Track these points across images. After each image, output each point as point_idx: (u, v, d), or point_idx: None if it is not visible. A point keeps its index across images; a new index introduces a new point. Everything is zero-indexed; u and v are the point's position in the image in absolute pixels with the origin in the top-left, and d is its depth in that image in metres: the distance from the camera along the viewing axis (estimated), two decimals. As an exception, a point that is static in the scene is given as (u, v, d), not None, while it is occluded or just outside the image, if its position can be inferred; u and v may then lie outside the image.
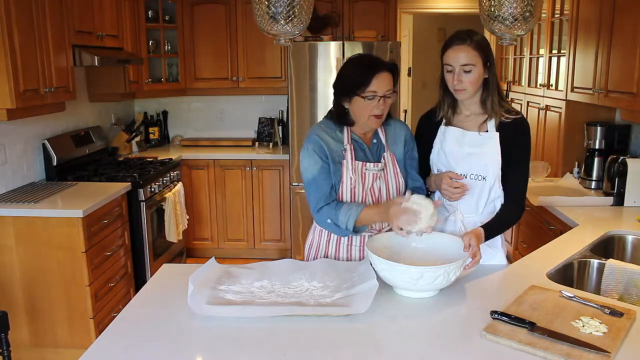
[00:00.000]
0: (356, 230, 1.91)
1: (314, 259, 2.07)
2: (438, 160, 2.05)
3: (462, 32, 1.91)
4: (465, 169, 1.99)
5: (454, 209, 2.03)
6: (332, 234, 2.02)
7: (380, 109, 1.85)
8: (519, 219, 2.05)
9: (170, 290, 1.75)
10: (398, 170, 1.99)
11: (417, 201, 1.71)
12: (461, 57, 1.87)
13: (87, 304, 2.99)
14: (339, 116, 1.94)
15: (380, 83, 1.84)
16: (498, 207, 2.01)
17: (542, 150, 3.93)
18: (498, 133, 1.95)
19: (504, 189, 1.99)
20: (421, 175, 2.09)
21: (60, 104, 3.29)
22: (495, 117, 1.95)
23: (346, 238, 2.01)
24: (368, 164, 1.94)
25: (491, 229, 1.89)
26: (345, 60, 1.97)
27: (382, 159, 1.97)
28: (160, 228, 3.85)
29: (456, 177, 1.95)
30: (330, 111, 2.00)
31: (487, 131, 1.97)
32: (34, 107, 2.97)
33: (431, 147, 2.07)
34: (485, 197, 2.00)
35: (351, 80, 1.86)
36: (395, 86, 1.91)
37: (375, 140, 2.00)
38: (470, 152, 1.98)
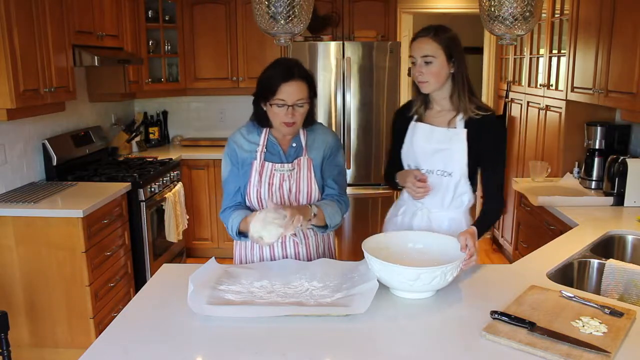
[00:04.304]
0: (245, 235, 1.93)
1: (241, 257, 2.08)
2: (407, 155, 2.08)
3: (429, 25, 1.96)
4: (431, 165, 2.02)
5: (421, 205, 2.07)
6: None
7: (289, 118, 1.86)
8: (502, 213, 2.07)
9: (170, 290, 1.75)
10: (312, 175, 1.97)
11: (257, 233, 1.75)
12: (422, 48, 1.92)
13: (87, 304, 2.99)
14: (259, 118, 1.95)
15: (289, 92, 1.83)
16: (465, 202, 2.06)
17: (542, 150, 3.93)
18: (466, 129, 1.97)
19: (482, 186, 2.03)
20: (395, 169, 2.12)
21: (60, 104, 3.29)
22: (464, 113, 1.97)
23: None
24: (277, 164, 1.95)
25: (479, 228, 1.91)
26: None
27: (297, 161, 1.96)
28: (160, 228, 3.85)
29: (421, 177, 1.97)
30: (253, 113, 2.00)
31: (455, 127, 1.99)
32: (34, 107, 2.97)
33: (403, 141, 2.09)
34: (451, 193, 2.03)
35: (263, 86, 1.88)
36: (312, 95, 1.90)
37: (294, 144, 1.99)
38: (437, 148, 2.00)
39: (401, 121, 2.11)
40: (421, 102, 2.05)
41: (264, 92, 1.87)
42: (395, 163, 2.14)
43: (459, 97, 1.97)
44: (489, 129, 1.98)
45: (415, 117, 2.07)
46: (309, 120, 1.97)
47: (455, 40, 1.94)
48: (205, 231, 4.70)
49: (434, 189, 2.00)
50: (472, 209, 2.12)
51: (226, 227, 1.99)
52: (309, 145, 1.99)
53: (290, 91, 1.83)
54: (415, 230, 2.06)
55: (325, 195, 2.01)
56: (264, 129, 1.98)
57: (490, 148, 1.99)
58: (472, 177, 2.03)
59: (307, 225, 1.89)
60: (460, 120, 1.98)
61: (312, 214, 1.86)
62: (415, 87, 2.03)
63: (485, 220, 1.96)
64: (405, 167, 2.11)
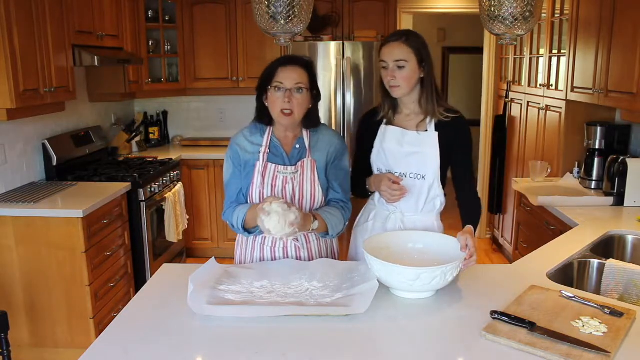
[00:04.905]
0: (250, 231, 1.95)
1: (242, 258, 2.08)
2: (378, 159, 2.08)
3: (398, 31, 2.00)
4: (404, 168, 2.03)
5: (395, 208, 2.07)
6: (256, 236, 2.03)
7: (287, 104, 1.85)
8: (481, 207, 2.09)
9: (170, 290, 1.75)
10: (316, 177, 1.95)
11: (269, 208, 1.73)
12: (395, 53, 1.94)
13: (87, 304, 2.99)
14: (260, 115, 1.96)
15: (286, 75, 1.86)
16: (438, 206, 2.07)
17: (542, 150, 3.93)
18: (437, 132, 1.99)
19: (455, 186, 2.04)
20: (363, 175, 2.11)
21: (60, 104, 3.30)
22: (434, 116, 2.00)
23: (260, 238, 2.01)
24: (280, 166, 1.94)
25: (473, 226, 1.92)
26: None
27: (300, 163, 1.95)
28: (160, 228, 3.85)
29: (395, 180, 1.98)
30: (255, 111, 2.00)
31: (426, 130, 2.01)
32: (34, 107, 2.97)
33: (372, 146, 2.09)
34: (425, 196, 2.04)
35: (263, 74, 1.92)
36: (313, 88, 1.91)
37: (298, 146, 1.98)
38: (410, 151, 2.01)
39: (369, 126, 2.11)
40: (389, 106, 2.06)
41: (264, 79, 1.90)
42: (362, 169, 2.13)
43: (428, 101, 1.99)
44: (459, 130, 2.01)
45: (385, 120, 2.08)
46: (314, 121, 1.97)
47: (425, 45, 1.98)
48: (205, 231, 4.70)
49: (409, 192, 2.01)
50: (442, 213, 2.13)
51: (230, 224, 1.96)
52: (313, 147, 1.98)
53: (288, 74, 1.85)
54: (415, 230, 2.06)
55: (329, 200, 2.00)
56: (267, 130, 1.97)
57: (462, 149, 2.03)
58: (442, 181, 2.05)
59: (310, 232, 1.90)
60: (430, 124, 2.01)
61: (311, 229, 1.86)
62: (383, 91, 2.04)
63: (474, 216, 1.98)
64: (376, 171, 2.10)
